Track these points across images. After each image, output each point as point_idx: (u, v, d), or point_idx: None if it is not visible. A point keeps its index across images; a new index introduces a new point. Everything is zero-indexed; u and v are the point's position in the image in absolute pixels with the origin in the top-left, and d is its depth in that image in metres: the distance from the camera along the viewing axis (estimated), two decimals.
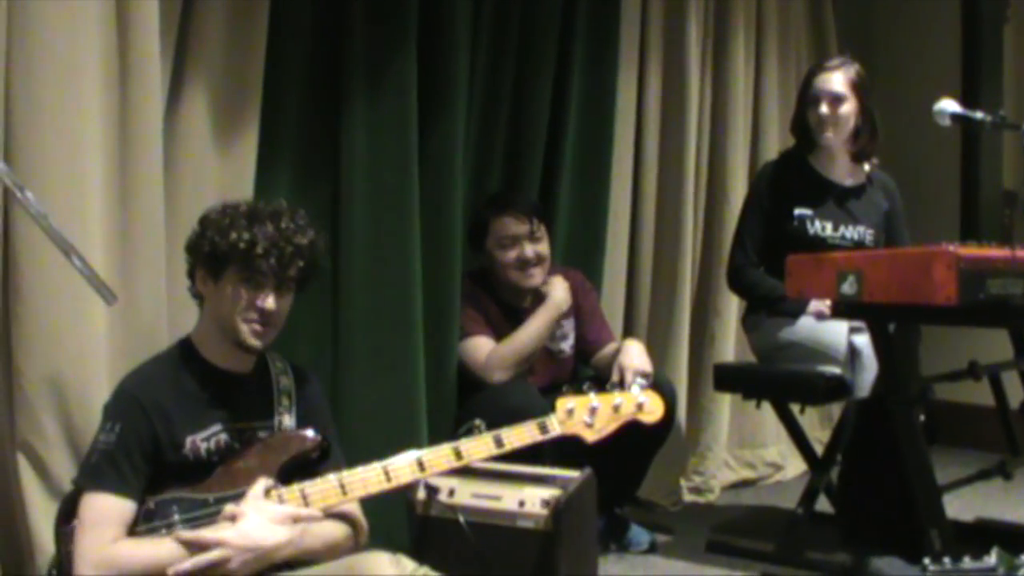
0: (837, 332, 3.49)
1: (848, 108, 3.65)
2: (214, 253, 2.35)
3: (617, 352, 3.48)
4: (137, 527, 2.23)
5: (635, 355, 3.41)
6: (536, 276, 3.57)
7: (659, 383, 3.20)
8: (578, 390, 2.74)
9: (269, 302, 2.37)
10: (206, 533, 2.19)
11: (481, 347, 3.47)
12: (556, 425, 2.65)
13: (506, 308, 3.61)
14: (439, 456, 2.49)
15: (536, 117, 3.86)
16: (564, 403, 2.68)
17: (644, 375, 3.28)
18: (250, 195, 2.98)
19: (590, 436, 2.69)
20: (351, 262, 3.25)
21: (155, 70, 2.76)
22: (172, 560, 2.16)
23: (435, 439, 2.62)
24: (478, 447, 2.54)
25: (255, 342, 2.39)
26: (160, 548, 2.18)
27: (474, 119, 3.69)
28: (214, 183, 2.97)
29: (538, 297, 3.59)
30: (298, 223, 2.42)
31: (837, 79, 3.65)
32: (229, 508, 2.23)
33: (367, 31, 3.26)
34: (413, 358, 3.32)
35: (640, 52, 4.33)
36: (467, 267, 3.61)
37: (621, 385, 3.14)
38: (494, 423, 2.62)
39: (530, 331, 3.49)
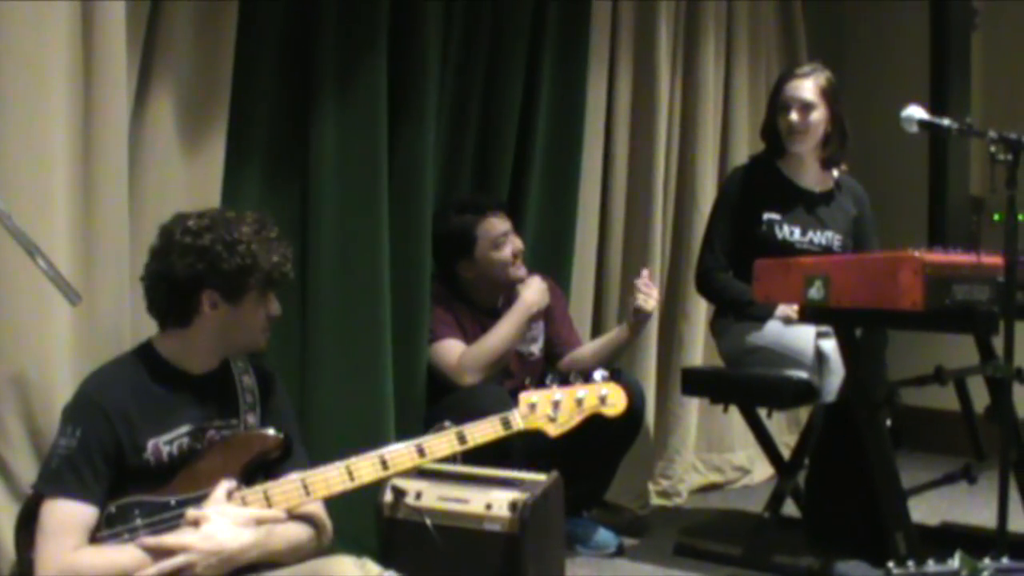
0: (804, 337, 3.50)
1: (818, 115, 3.67)
2: (247, 281, 2.34)
3: (611, 336, 3.63)
4: (99, 532, 2.20)
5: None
6: (523, 268, 3.61)
7: (627, 382, 3.20)
8: (541, 384, 2.73)
9: (279, 307, 2.43)
10: (169, 538, 2.18)
11: (452, 350, 3.46)
12: (519, 420, 2.64)
13: (477, 311, 3.61)
14: (402, 454, 2.48)
15: (506, 120, 3.86)
16: (527, 398, 2.67)
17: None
18: (218, 199, 2.96)
19: (553, 430, 2.67)
20: (320, 264, 3.24)
21: (121, 71, 2.74)
22: (135, 567, 2.14)
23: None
24: (441, 444, 2.53)
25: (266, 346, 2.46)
26: (123, 554, 2.16)
27: (444, 122, 3.68)
28: (181, 185, 2.95)
29: (509, 299, 3.59)
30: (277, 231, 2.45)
31: (807, 86, 3.67)
32: (192, 512, 2.21)
33: (337, 33, 3.24)
34: (382, 360, 3.31)
35: (610, 55, 4.33)
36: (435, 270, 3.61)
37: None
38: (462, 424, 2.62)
39: (501, 333, 3.48)
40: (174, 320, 2.37)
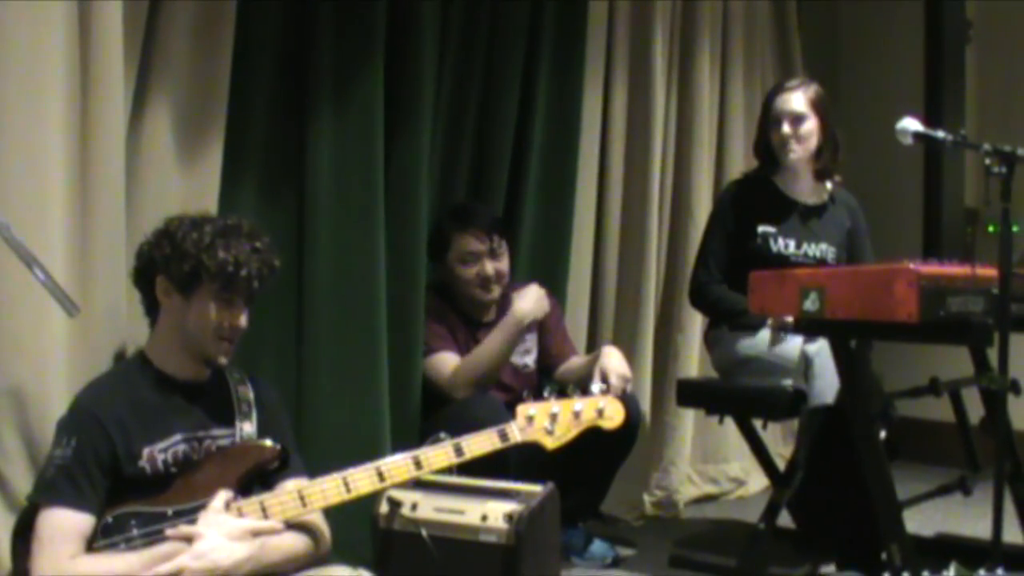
0: (794, 345, 3.50)
1: (809, 126, 3.68)
2: (195, 271, 2.34)
3: (595, 357, 3.47)
4: (95, 542, 2.20)
5: (617, 359, 3.42)
6: (495, 292, 3.58)
7: (623, 395, 3.20)
8: (539, 396, 2.74)
9: (244, 321, 2.39)
10: (164, 567, 2.16)
11: (446, 362, 3.46)
12: (516, 432, 2.65)
13: (469, 322, 3.61)
14: (398, 465, 2.49)
15: (502, 132, 3.87)
16: (525, 410, 2.69)
17: (627, 379, 3.33)
18: (215, 209, 2.96)
19: (550, 443, 2.69)
20: (316, 276, 3.24)
21: (118, 82, 2.74)
22: None
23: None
24: (437, 456, 2.54)
25: (225, 359, 2.41)
26: (118, 564, 2.16)
27: (440, 133, 3.69)
28: (178, 196, 2.95)
29: (501, 310, 3.59)
30: (267, 241, 2.44)
31: (797, 99, 3.68)
32: (184, 529, 2.21)
33: (334, 44, 3.25)
34: (377, 372, 3.31)
35: (606, 67, 4.34)
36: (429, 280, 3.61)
37: (606, 386, 3.16)
38: (458, 436, 2.62)
39: (493, 345, 3.48)
40: (147, 310, 2.47)
